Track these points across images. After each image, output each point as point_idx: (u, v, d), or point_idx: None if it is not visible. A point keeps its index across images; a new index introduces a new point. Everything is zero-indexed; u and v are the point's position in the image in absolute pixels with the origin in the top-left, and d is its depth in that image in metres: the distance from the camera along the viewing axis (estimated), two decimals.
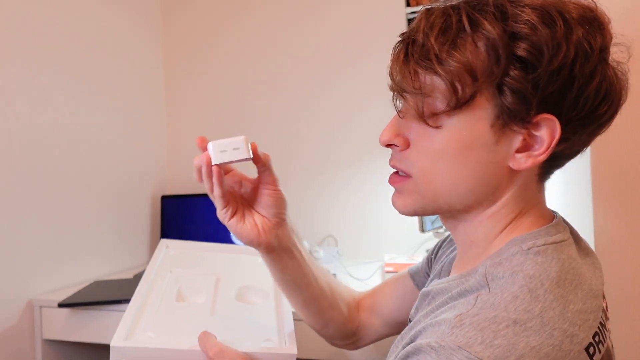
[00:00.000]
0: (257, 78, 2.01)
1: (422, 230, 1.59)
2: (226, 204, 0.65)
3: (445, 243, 0.74)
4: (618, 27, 0.96)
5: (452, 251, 0.67)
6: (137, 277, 1.62)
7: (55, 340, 1.44)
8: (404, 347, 0.48)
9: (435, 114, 0.49)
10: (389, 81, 0.53)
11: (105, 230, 1.73)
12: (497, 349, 0.40)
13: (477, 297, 0.46)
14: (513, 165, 0.49)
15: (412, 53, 0.49)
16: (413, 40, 0.49)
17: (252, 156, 0.62)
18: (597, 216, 0.98)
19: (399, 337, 0.53)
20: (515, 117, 0.47)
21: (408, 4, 1.76)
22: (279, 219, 0.69)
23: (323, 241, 1.93)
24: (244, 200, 0.69)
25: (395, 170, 0.56)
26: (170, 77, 2.11)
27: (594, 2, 0.49)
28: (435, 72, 0.47)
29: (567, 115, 0.47)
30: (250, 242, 0.67)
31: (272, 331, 0.79)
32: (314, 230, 1.94)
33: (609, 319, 0.56)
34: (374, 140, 0.69)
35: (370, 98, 1.83)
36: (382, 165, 1.77)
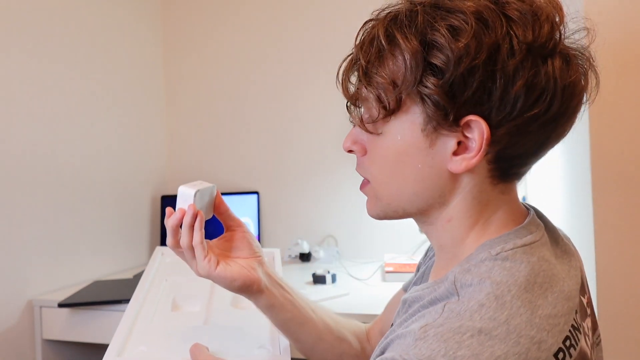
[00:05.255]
0: (257, 78, 2.01)
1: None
2: (207, 251, 0.66)
3: (431, 246, 0.73)
4: (612, 29, 0.96)
5: (434, 255, 0.66)
6: (137, 277, 1.62)
7: (55, 340, 1.44)
8: (375, 357, 0.47)
9: (373, 122, 0.52)
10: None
11: (105, 230, 1.73)
12: None
13: (444, 305, 0.45)
14: (451, 168, 0.49)
15: (349, 68, 0.53)
16: (351, 54, 0.54)
17: (215, 191, 0.70)
18: (597, 216, 0.98)
19: (377, 345, 0.52)
20: (439, 122, 0.48)
21: None
22: (259, 255, 0.71)
23: (323, 241, 1.93)
24: (218, 252, 0.70)
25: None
26: (170, 77, 2.11)
27: None
28: (364, 86, 0.51)
29: (498, 116, 0.47)
30: (243, 283, 0.67)
31: (266, 338, 0.78)
32: (314, 230, 1.94)
33: (590, 315, 0.55)
34: None
35: None
36: None
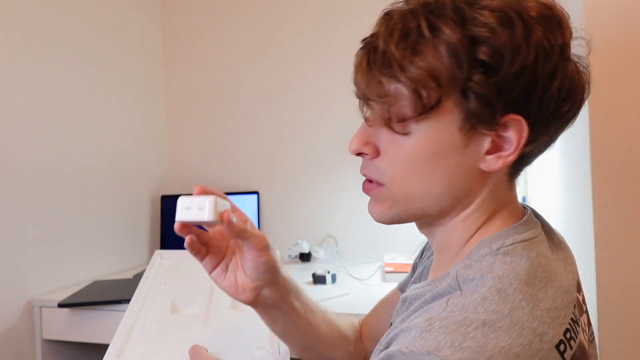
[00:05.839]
0: (257, 78, 2.01)
1: None
2: (201, 257, 0.63)
3: (427, 246, 0.74)
4: (612, 28, 0.96)
5: (432, 255, 0.66)
6: (137, 277, 1.62)
7: (55, 340, 1.44)
8: (378, 354, 0.47)
9: (402, 121, 0.49)
10: (354, 88, 0.52)
11: (105, 230, 1.73)
12: (466, 351, 0.40)
13: (447, 300, 0.45)
14: (484, 167, 0.49)
15: (374, 61, 0.49)
16: (374, 47, 0.49)
17: (216, 220, 0.55)
18: (597, 216, 0.98)
19: (378, 343, 0.52)
20: (481, 120, 0.47)
21: None
22: (263, 282, 0.64)
23: (323, 241, 1.93)
24: (236, 253, 0.65)
25: (367, 178, 0.56)
26: (170, 76, 2.11)
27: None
28: (398, 80, 0.47)
29: (534, 115, 0.48)
30: (231, 295, 0.65)
31: (265, 339, 0.79)
32: (314, 230, 1.94)
33: (586, 312, 0.55)
34: None
35: None
36: None
